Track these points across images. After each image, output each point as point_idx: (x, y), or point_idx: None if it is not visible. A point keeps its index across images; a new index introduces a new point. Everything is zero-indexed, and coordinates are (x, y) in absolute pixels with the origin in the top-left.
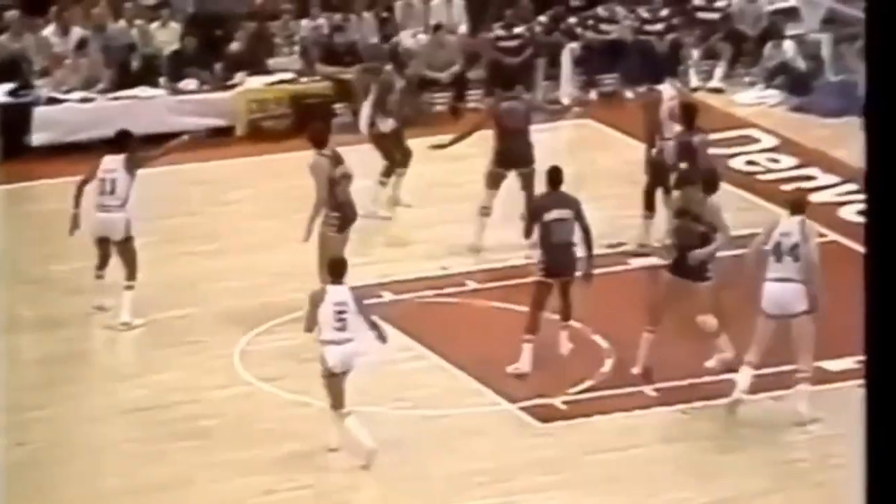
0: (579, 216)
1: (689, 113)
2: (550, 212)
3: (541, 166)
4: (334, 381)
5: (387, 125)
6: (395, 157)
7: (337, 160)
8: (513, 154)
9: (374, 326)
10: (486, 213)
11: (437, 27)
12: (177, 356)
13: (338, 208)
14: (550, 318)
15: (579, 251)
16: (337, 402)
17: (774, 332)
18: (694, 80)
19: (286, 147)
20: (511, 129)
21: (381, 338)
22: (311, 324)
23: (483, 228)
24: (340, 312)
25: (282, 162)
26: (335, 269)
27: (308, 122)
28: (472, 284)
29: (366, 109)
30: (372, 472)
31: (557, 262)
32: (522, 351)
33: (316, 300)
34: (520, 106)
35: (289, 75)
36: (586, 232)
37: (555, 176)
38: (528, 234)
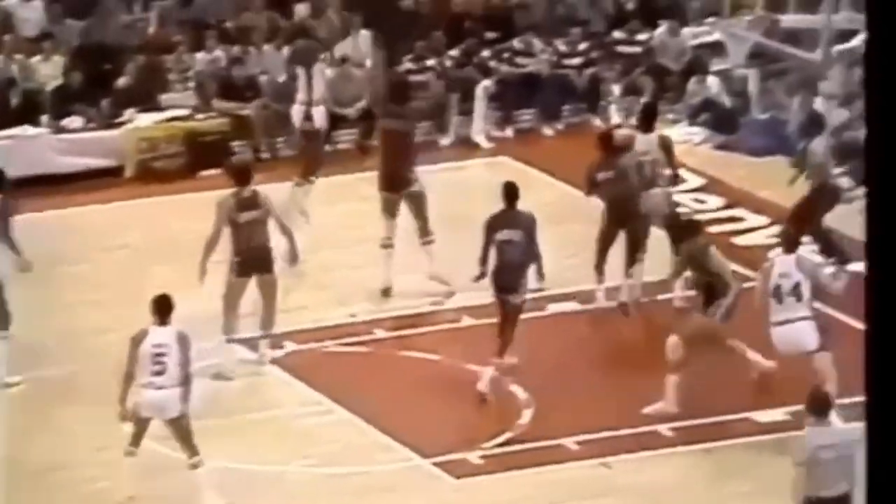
0: (530, 236)
1: (601, 147)
2: (500, 232)
3: (455, 205)
4: (142, 422)
5: (319, 120)
6: (314, 165)
7: (249, 204)
8: (394, 176)
9: (186, 380)
10: (389, 243)
11: (344, 60)
12: (62, 415)
13: (239, 253)
14: (469, 368)
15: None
16: (134, 442)
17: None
18: (615, 117)
19: (179, 188)
20: (391, 151)
21: (186, 394)
22: (131, 367)
23: (389, 262)
24: (159, 355)
25: (174, 204)
26: (158, 308)
27: (202, 161)
28: (380, 333)
29: (300, 99)
30: None
31: (503, 282)
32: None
33: (136, 340)
34: (401, 126)
35: (183, 112)
36: (535, 253)
37: (509, 192)
38: (483, 259)
